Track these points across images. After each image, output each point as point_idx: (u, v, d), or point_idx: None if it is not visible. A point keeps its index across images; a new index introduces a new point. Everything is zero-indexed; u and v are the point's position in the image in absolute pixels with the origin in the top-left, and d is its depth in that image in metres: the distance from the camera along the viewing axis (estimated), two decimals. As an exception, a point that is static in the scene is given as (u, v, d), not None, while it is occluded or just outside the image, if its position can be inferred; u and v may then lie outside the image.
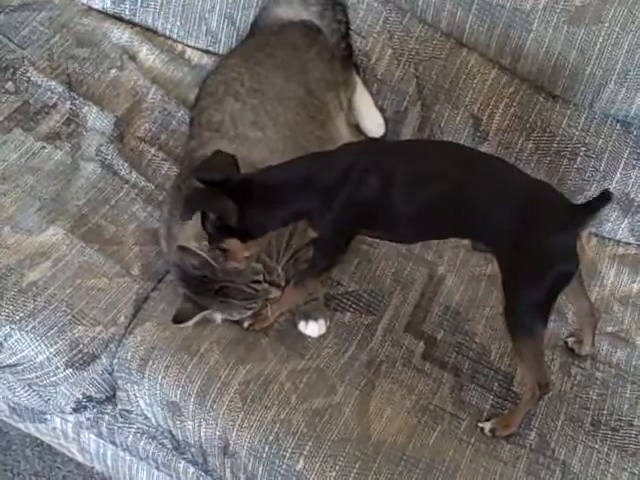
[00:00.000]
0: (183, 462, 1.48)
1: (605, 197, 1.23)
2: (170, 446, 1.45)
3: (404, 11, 1.66)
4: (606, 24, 1.48)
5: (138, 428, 1.48)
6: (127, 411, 1.46)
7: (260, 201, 1.26)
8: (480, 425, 1.37)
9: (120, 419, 1.50)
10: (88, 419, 1.53)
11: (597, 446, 1.38)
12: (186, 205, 1.25)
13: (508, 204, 1.24)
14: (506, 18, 1.54)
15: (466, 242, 1.59)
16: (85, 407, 1.48)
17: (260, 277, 1.36)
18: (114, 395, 1.48)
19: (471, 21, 1.59)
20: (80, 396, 1.45)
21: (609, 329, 1.53)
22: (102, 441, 1.57)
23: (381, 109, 1.72)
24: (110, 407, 1.50)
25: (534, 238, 1.24)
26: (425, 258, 1.58)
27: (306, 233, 1.45)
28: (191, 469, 1.49)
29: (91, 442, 1.59)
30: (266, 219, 1.28)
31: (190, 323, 1.36)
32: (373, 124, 1.73)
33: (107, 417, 1.50)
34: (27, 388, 1.44)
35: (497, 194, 1.25)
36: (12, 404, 1.60)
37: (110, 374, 1.44)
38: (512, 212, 1.24)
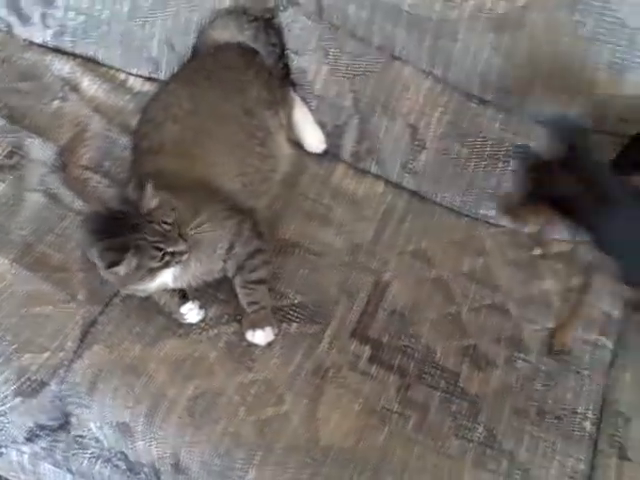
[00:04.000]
0: (139, 484, 1.49)
1: None
2: (124, 467, 1.45)
3: (337, 28, 1.69)
4: (528, 29, 1.52)
5: (92, 453, 1.48)
6: (80, 436, 1.47)
7: None
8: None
9: (74, 445, 1.50)
10: (43, 448, 1.52)
11: (543, 435, 1.41)
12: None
13: None
14: (434, 29, 1.58)
15: (410, 248, 1.64)
16: (38, 436, 1.48)
17: (171, 219, 1.37)
18: (67, 422, 1.49)
19: (401, 34, 1.62)
20: (32, 425, 1.46)
21: (550, 324, 1.57)
22: (59, 470, 1.57)
23: (321, 124, 1.76)
24: (64, 434, 1.50)
25: None
26: (370, 267, 1.61)
27: (250, 242, 1.49)
28: (148, 491, 1.50)
29: (48, 472, 1.59)
30: None
31: (122, 267, 1.34)
32: (314, 140, 1.77)
33: (61, 444, 1.50)
34: (-23, 420, 1.45)
35: None
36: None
37: (60, 400, 1.45)
38: None
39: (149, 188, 1.35)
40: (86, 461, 1.50)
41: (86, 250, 1.41)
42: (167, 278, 1.43)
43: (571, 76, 1.54)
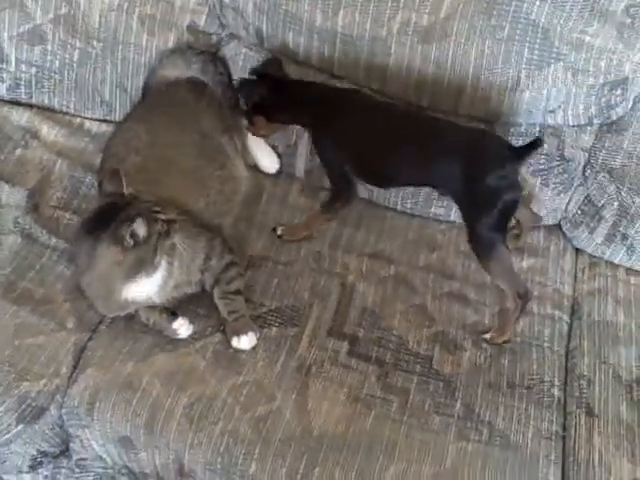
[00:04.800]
0: (145, 499, 1.56)
1: (537, 143, 1.54)
2: (129, 482, 1.52)
3: (278, 55, 1.82)
4: (452, 38, 1.67)
5: (96, 474, 1.56)
6: (82, 459, 1.54)
7: (282, 98, 1.67)
8: (483, 337, 1.61)
9: (77, 470, 1.57)
10: (46, 477, 1.59)
11: (516, 404, 1.53)
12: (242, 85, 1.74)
13: (454, 154, 1.55)
14: (367, 47, 1.71)
15: (367, 250, 1.76)
16: (41, 463, 1.54)
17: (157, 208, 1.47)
18: (67, 449, 1.56)
19: (338, 55, 1.75)
20: (34, 452, 1.51)
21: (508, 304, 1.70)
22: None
23: (273, 147, 1.87)
24: (65, 461, 1.57)
25: (482, 176, 1.52)
26: (335, 271, 1.72)
27: (223, 255, 1.59)
28: (153, 505, 1.56)
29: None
30: (279, 111, 1.70)
31: (139, 227, 1.41)
32: (268, 161, 1.89)
33: (64, 471, 1.58)
34: (-19, 454, 1.50)
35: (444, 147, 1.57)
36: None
37: (60, 427, 1.51)
38: (459, 159, 1.54)
39: (121, 172, 1.48)
40: (89, 484, 1.57)
41: (87, 260, 1.46)
42: (153, 288, 1.50)
43: (495, 77, 1.69)
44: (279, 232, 1.76)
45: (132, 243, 1.42)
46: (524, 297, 1.60)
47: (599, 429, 1.50)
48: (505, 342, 1.62)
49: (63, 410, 1.49)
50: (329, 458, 1.42)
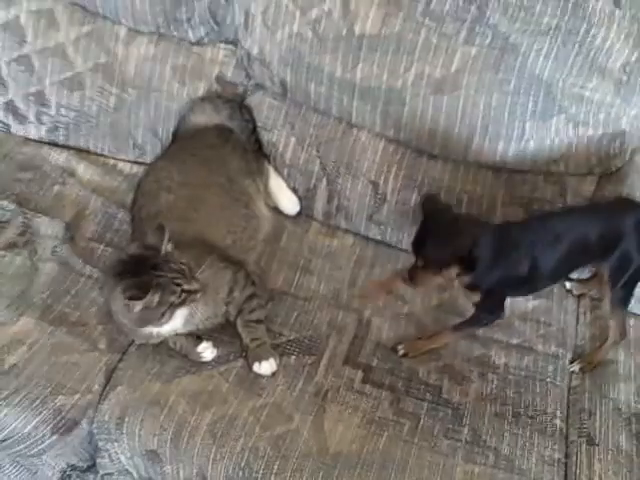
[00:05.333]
0: (167, 514, 1.64)
1: None
2: (153, 496, 1.60)
3: (300, 104, 1.96)
4: (463, 90, 1.80)
5: (121, 489, 1.64)
6: (109, 474, 1.63)
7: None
8: (571, 370, 1.75)
9: (103, 485, 1.66)
10: (73, 492, 1.68)
11: (521, 432, 1.63)
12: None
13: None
14: (384, 97, 1.85)
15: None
16: (69, 477, 1.62)
17: (185, 260, 1.58)
18: (94, 464, 1.64)
19: (356, 104, 1.89)
20: (64, 465, 1.61)
21: (514, 341, 1.80)
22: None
23: (293, 189, 2.00)
24: (92, 476, 1.66)
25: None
26: (352, 306, 1.83)
27: (246, 288, 1.70)
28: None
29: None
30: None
31: (146, 299, 1.50)
32: (289, 203, 2.01)
33: (90, 485, 1.66)
34: (16, 464, 1.60)
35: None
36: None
37: (89, 442, 1.61)
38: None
39: (167, 232, 1.56)
40: (114, 499, 1.65)
41: (109, 294, 1.59)
42: (180, 320, 1.61)
43: (501, 127, 1.82)
44: (401, 352, 1.74)
45: (140, 307, 1.52)
46: (623, 335, 1.78)
47: (599, 456, 1.60)
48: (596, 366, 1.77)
49: (94, 425, 1.58)
50: (344, 474, 1.51)
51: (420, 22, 1.77)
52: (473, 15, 1.75)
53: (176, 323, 1.61)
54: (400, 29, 1.78)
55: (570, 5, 1.71)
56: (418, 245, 1.63)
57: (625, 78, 1.75)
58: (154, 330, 1.61)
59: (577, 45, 1.73)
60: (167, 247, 1.57)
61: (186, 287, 1.56)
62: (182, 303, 1.57)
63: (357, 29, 1.80)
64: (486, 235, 1.61)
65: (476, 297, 1.69)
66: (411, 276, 1.63)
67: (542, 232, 1.69)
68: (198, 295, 1.57)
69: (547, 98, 1.77)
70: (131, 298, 1.51)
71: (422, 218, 1.64)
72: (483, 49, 1.76)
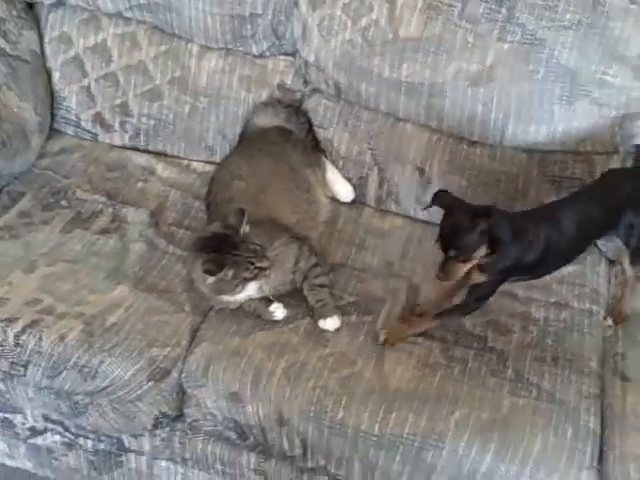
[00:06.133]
0: (245, 454, 1.86)
1: None
2: (234, 436, 1.82)
3: (352, 104, 2.21)
4: (497, 82, 2.03)
5: (205, 434, 1.86)
6: (195, 421, 1.85)
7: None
8: (605, 324, 1.96)
9: (189, 432, 1.88)
10: (163, 439, 1.90)
11: (559, 372, 1.81)
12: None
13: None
14: (427, 92, 2.08)
15: (431, 260, 2.06)
16: (161, 423, 1.85)
17: (259, 242, 1.81)
18: (181, 415, 1.87)
19: (402, 100, 2.13)
20: (157, 413, 1.83)
21: (552, 300, 2.00)
22: (173, 466, 1.94)
23: (348, 179, 2.24)
24: (180, 424, 1.89)
25: None
26: (402, 275, 2.05)
27: (310, 258, 1.93)
28: (253, 459, 1.86)
29: (163, 471, 1.96)
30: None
31: (220, 274, 1.73)
32: (344, 191, 2.25)
33: (178, 433, 1.89)
34: (116, 412, 1.82)
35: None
36: (91, 456, 1.97)
37: (178, 392, 1.83)
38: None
39: (246, 215, 1.80)
40: (200, 444, 1.88)
41: (191, 265, 1.84)
42: (252, 290, 1.84)
43: (533, 112, 2.05)
44: (382, 338, 1.84)
45: (214, 280, 1.75)
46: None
47: (633, 391, 1.77)
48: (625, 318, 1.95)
49: (183, 374, 1.81)
50: (403, 406, 1.71)
51: (457, 24, 2.01)
52: (504, 16, 1.99)
53: (249, 292, 1.84)
54: (440, 31, 2.02)
55: (590, 2, 1.94)
56: (446, 238, 1.73)
57: (642, 64, 1.97)
58: (230, 298, 1.84)
59: (597, 37, 1.95)
60: (245, 228, 1.81)
61: (258, 264, 1.79)
62: (254, 278, 1.80)
63: (401, 33, 2.05)
64: (503, 219, 1.73)
65: (483, 277, 1.81)
66: (445, 270, 1.74)
67: (551, 217, 1.85)
68: (268, 272, 1.81)
69: (572, 84, 1.99)
70: (207, 271, 1.75)
71: (442, 214, 1.77)
72: (514, 45, 1.99)
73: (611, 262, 2.12)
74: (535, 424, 1.70)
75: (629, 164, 2.07)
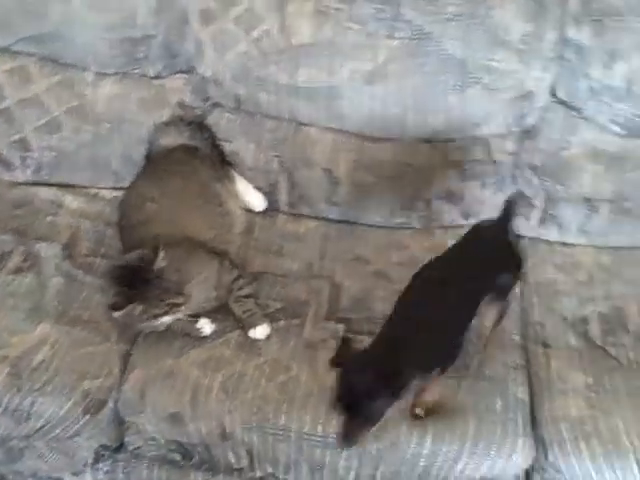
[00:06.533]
0: (192, 474, 1.86)
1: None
2: (179, 457, 1.82)
3: (254, 114, 2.22)
4: (391, 77, 2.08)
5: (149, 459, 1.85)
6: (137, 448, 1.84)
7: None
8: None
9: (132, 461, 1.87)
10: (106, 472, 1.88)
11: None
12: None
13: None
14: (325, 94, 2.08)
15: (349, 257, 2.13)
16: (103, 456, 1.84)
17: (175, 277, 1.80)
18: (122, 444, 1.86)
19: (302, 105, 2.15)
20: (97, 446, 1.82)
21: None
22: (120, 493, 1.93)
23: (258, 188, 2.26)
24: (122, 455, 1.87)
25: None
26: (323, 275, 2.09)
27: (232, 271, 1.96)
28: (200, 478, 1.87)
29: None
30: None
31: (123, 312, 1.73)
32: (256, 201, 2.27)
33: (121, 463, 1.88)
34: (54, 451, 1.80)
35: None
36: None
37: (116, 421, 1.82)
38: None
39: (162, 252, 1.79)
40: (145, 470, 1.88)
41: (108, 294, 1.83)
42: (169, 321, 1.83)
43: (428, 103, 2.12)
44: (421, 413, 1.75)
45: (121, 314, 1.76)
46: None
47: (555, 356, 1.86)
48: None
49: (119, 403, 1.80)
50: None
51: (347, 26, 2.05)
52: (390, 14, 2.04)
53: (165, 322, 1.83)
54: (331, 34, 2.06)
55: (468, -7, 2.02)
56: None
57: (524, 47, 2.05)
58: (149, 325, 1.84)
59: (480, 26, 2.03)
60: (160, 263, 1.80)
61: (170, 301, 1.79)
62: (165, 314, 1.80)
63: (294, 41, 2.08)
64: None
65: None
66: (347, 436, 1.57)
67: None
68: (183, 307, 1.80)
69: (463, 73, 2.05)
70: (113, 306, 1.76)
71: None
72: (403, 41, 2.04)
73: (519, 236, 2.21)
74: (467, 402, 1.77)
75: (524, 142, 2.17)
